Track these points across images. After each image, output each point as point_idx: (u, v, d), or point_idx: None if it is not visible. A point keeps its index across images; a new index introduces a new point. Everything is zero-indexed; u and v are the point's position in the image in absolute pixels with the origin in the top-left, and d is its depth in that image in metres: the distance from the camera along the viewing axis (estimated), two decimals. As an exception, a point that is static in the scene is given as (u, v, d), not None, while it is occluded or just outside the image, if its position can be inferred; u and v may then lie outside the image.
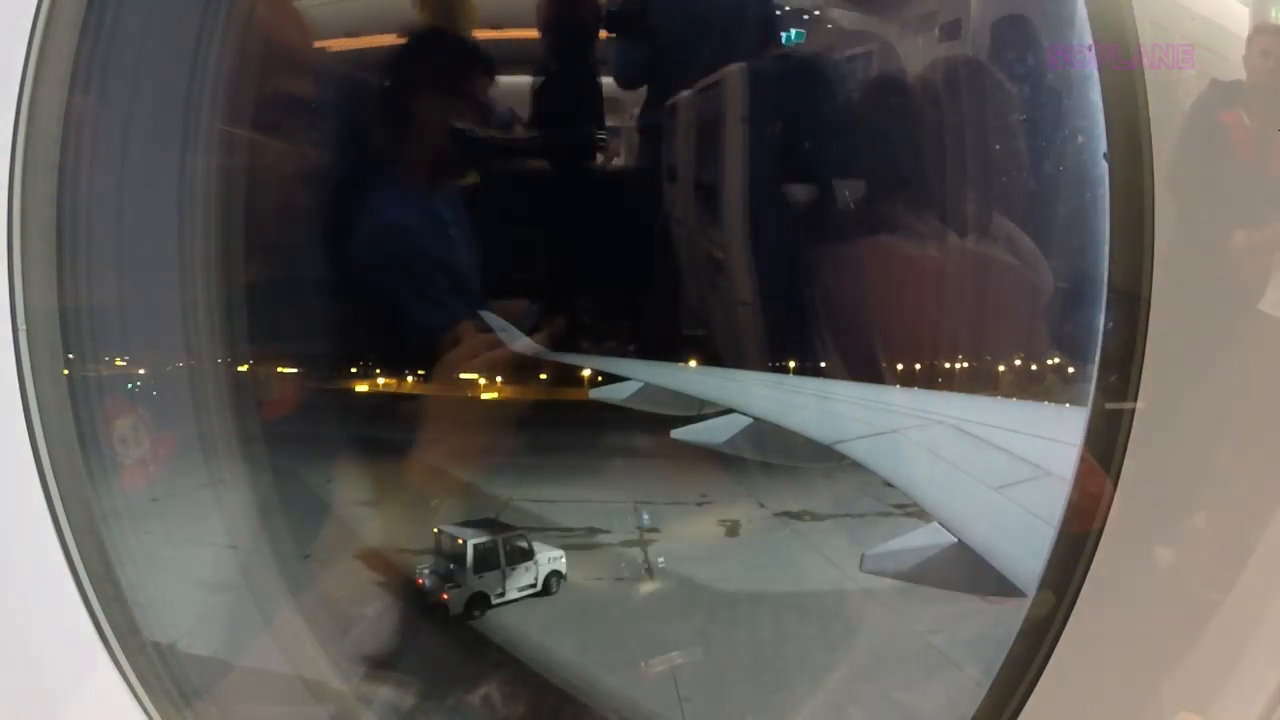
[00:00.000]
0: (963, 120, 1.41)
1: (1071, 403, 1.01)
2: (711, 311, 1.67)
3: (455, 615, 1.71)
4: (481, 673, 1.66)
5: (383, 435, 1.73)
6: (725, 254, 1.63)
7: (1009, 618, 0.97)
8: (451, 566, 1.73)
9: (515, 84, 1.53)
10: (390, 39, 1.63)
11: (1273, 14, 1.00)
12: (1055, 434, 1.06)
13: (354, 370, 1.74)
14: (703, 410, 1.67)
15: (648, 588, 1.76)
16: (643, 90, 1.59)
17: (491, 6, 1.59)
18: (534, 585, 1.77)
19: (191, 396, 1.52)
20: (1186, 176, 0.93)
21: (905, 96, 1.50)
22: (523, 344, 1.59)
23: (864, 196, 1.51)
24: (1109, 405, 0.91)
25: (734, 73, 1.54)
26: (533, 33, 1.50)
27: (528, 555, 1.76)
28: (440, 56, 1.57)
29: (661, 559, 1.78)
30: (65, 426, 1.15)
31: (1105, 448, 0.91)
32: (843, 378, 1.57)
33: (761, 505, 1.81)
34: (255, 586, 1.54)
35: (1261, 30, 0.96)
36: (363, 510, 1.77)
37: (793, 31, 1.53)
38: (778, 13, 1.53)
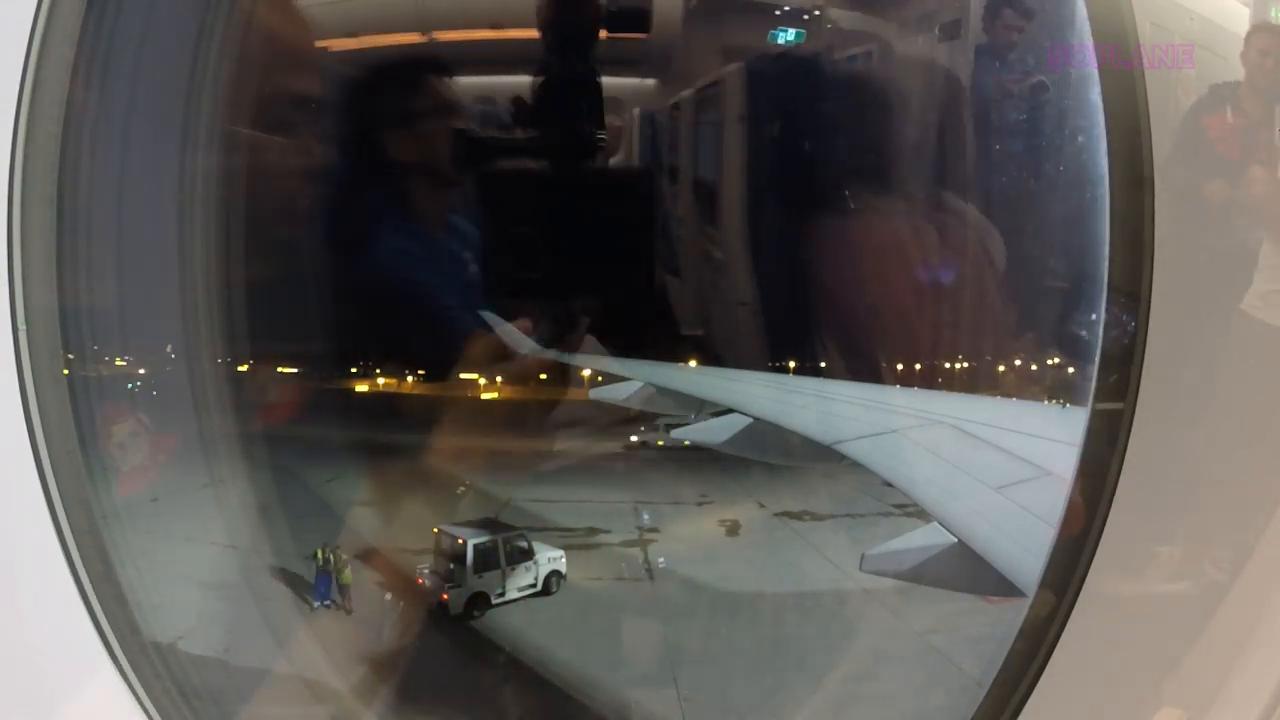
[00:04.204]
0: (962, 120, 1.41)
1: (1071, 403, 1.01)
2: (711, 311, 1.67)
3: (455, 615, 1.71)
4: (481, 673, 1.66)
5: (383, 435, 1.73)
6: (725, 254, 1.63)
7: (1009, 618, 0.97)
8: (451, 566, 1.73)
9: (515, 84, 1.53)
10: (393, 38, 1.64)
11: (1273, 14, 1.00)
12: (1055, 434, 1.06)
13: (354, 370, 1.74)
14: (703, 410, 1.67)
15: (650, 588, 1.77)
16: (643, 91, 1.59)
17: (491, 6, 1.59)
18: (534, 585, 1.77)
19: (191, 396, 1.52)
20: (1186, 176, 0.93)
21: (905, 97, 1.49)
22: (523, 344, 1.59)
23: (864, 196, 1.51)
24: (1109, 405, 0.91)
25: (733, 72, 1.54)
26: (533, 33, 1.50)
27: (528, 555, 1.76)
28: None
29: (662, 559, 1.78)
30: (65, 426, 1.15)
31: (1105, 448, 0.91)
32: (843, 378, 1.57)
33: (761, 505, 1.81)
34: (255, 586, 1.54)
35: (1261, 29, 0.96)
36: (363, 510, 1.77)
37: (792, 31, 1.53)
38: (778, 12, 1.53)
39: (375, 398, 1.72)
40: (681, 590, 1.77)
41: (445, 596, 1.70)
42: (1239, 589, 0.92)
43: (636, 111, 1.55)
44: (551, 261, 1.48)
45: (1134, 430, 0.89)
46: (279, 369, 1.69)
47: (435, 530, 1.77)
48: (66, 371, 1.18)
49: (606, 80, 1.49)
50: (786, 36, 1.52)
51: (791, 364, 1.59)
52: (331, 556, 1.60)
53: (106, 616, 1.13)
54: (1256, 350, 0.95)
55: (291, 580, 1.59)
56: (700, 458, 1.72)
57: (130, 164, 1.37)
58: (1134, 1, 0.90)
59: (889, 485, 1.49)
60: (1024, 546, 1.07)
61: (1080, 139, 0.97)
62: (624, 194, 1.55)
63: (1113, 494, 0.90)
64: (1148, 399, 0.89)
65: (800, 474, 1.78)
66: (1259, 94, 0.97)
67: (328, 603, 1.58)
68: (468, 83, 1.60)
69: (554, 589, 1.77)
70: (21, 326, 1.11)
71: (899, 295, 1.51)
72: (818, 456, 1.54)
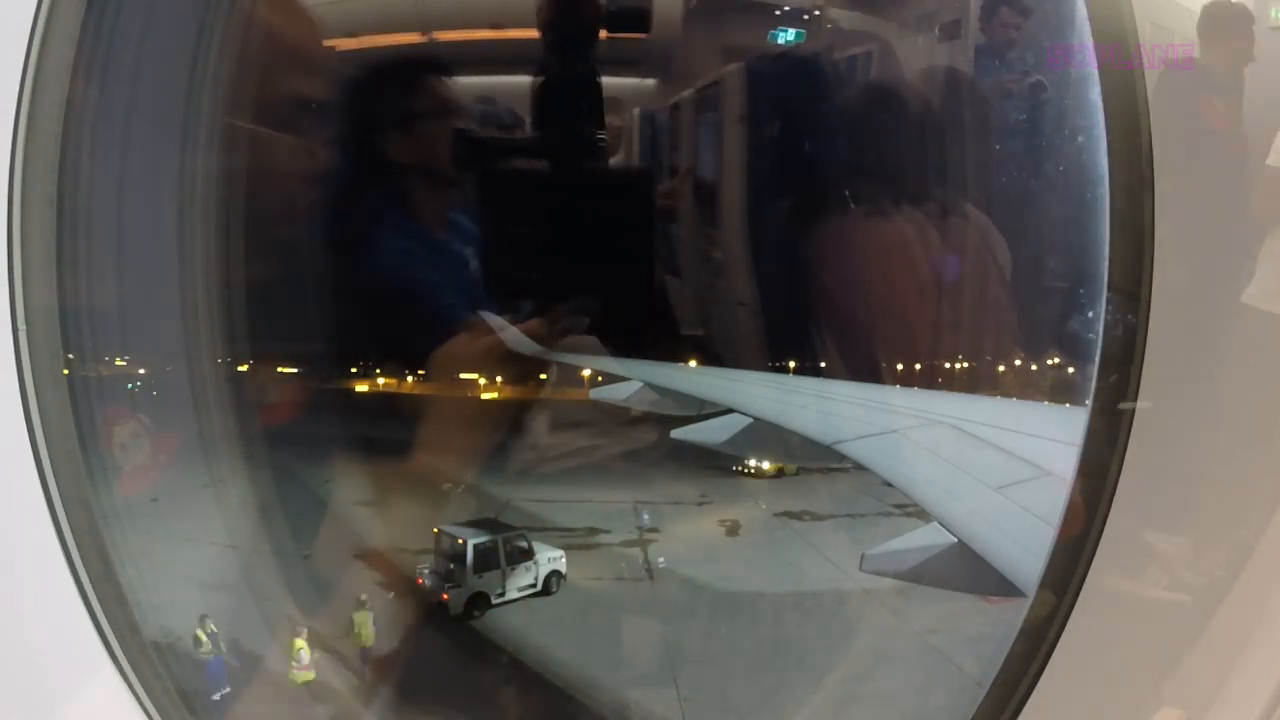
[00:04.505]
0: (963, 120, 1.41)
1: (1071, 403, 1.01)
2: (711, 311, 1.67)
3: (455, 615, 1.71)
4: (481, 673, 1.66)
5: (383, 435, 1.73)
6: (725, 254, 1.63)
7: (1009, 618, 0.97)
8: (451, 566, 1.73)
9: (515, 84, 1.53)
10: (393, 38, 1.64)
11: (1273, 14, 1.00)
12: (1055, 434, 1.06)
13: (354, 370, 1.74)
14: (703, 410, 1.67)
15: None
16: (643, 91, 1.59)
17: (491, 6, 1.59)
18: (534, 585, 1.77)
19: (191, 396, 1.52)
20: (1186, 176, 0.93)
21: (905, 97, 1.49)
22: (522, 343, 1.59)
23: (863, 196, 1.51)
24: (1109, 405, 0.91)
25: (733, 72, 1.54)
26: (533, 33, 1.50)
27: (528, 555, 1.76)
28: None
29: (662, 559, 1.78)
30: (65, 426, 1.15)
31: (1105, 448, 0.91)
32: (843, 378, 1.57)
33: (761, 505, 1.81)
34: (255, 586, 1.54)
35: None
36: (363, 510, 1.77)
37: (792, 31, 1.53)
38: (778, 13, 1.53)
39: (375, 398, 1.72)
40: (681, 590, 1.77)
41: (445, 596, 1.70)
42: (1239, 589, 0.92)
43: (636, 111, 1.55)
44: (551, 261, 1.48)
45: (1134, 430, 0.89)
46: (279, 369, 1.69)
47: (435, 530, 1.77)
48: (66, 371, 1.18)
49: (606, 80, 1.48)
50: (786, 36, 1.52)
51: (791, 364, 1.59)
52: (211, 634, 1.39)
53: (106, 616, 1.13)
54: (1256, 350, 0.95)
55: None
56: (700, 457, 1.72)
57: (130, 164, 1.37)
58: (1134, 1, 0.90)
59: (889, 485, 1.49)
60: (1024, 546, 1.07)
61: (1080, 139, 0.97)
62: (624, 194, 1.55)
63: (1113, 494, 0.90)
64: (1148, 399, 0.89)
65: (800, 474, 1.78)
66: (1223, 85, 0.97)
67: (225, 692, 1.38)
68: (468, 83, 1.60)
69: (554, 589, 1.77)
70: (21, 326, 1.11)
71: (899, 295, 1.51)
72: (818, 456, 1.54)
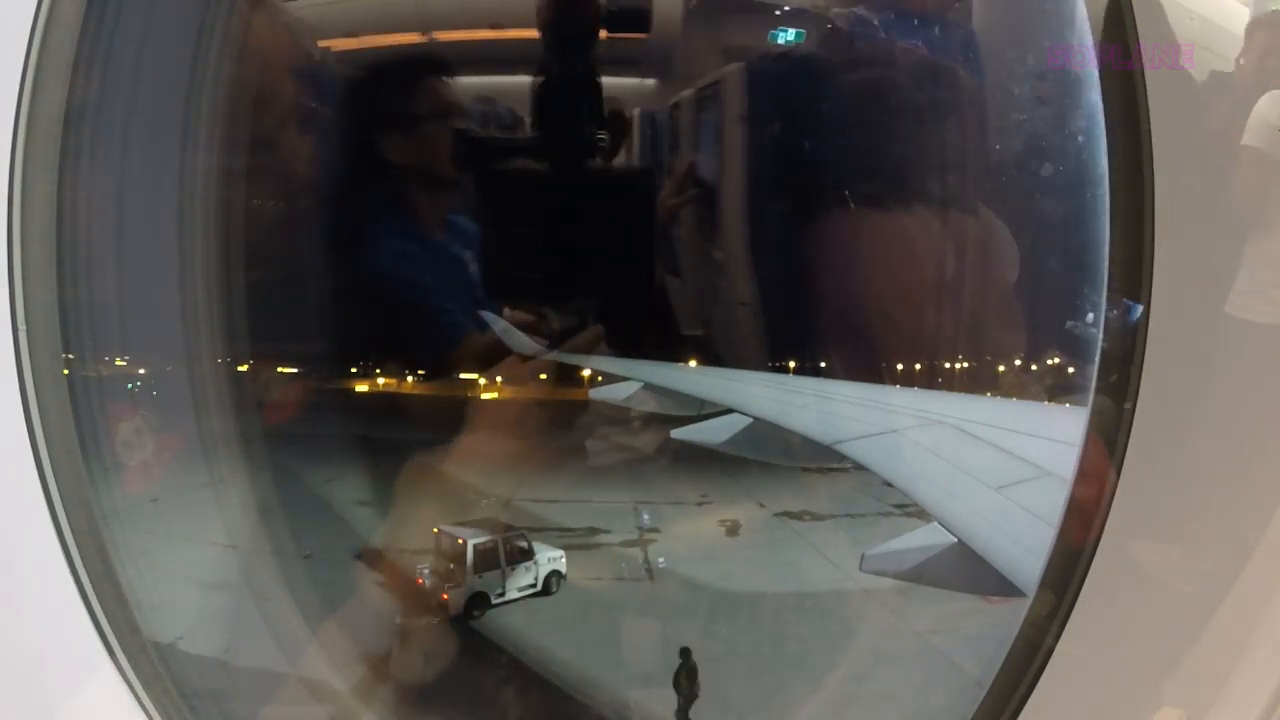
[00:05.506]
0: (963, 119, 1.40)
1: (1071, 403, 1.01)
2: (711, 311, 1.67)
3: (455, 615, 1.71)
4: (481, 673, 1.66)
5: (383, 435, 1.73)
6: (725, 254, 1.63)
7: (1009, 618, 0.97)
8: (451, 566, 1.73)
9: (515, 84, 1.53)
10: (393, 38, 1.64)
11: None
12: (1055, 434, 1.06)
13: (354, 370, 1.74)
14: (703, 410, 1.67)
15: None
16: (643, 91, 1.59)
17: (491, 6, 1.59)
18: (534, 585, 1.77)
19: (191, 396, 1.52)
20: (1186, 176, 0.93)
21: (905, 97, 1.49)
22: (522, 344, 1.59)
23: (863, 196, 1.51)
24: (1109, 405, 0.91)
25: (733, 72, 1.54)
26: (533, 33, 1.50)
27: (528, 555, 1.76)
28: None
29: (662, 559, 1.78)
30: (65, 426, 1.15)
31: (1105, 448, 0.91)
32: (843, 378, 1.57)
33: (761, 505, 1.81)
34: (255, 586, 1.54)
35: (1261, 25, 0.96)
36: (363, 510, 1.77)
37: (792, 32, 1.53)
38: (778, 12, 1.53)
39: (375, 398, 1.72)
40: (681, 590, 1.77)
41: (445, 596, 1.70)
42: (1239, 589, 0.92)
43: (636, 111, 1.55)
44: (551, 262, 1.48)
45: (1134, 430, 0.89)
46: (279, 369, 1.69)
47: (435, 530, 1.76)
48: (66, 371, 1.18)
49: (606, 80, 1.48)
50: (786, 37, 1.52)
51: (791, 364, 1.59)
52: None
53: (106, 616, 1.13)
54: (1256, 350, 0.95)
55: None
56: (700, 458, 1.72)
57: (130, 164, 1.37)
58: (1134, 1, 0.90)
59: (889, 485, 1.49)
60: (1024, 546, 1.07)
61: (1080, 139, 0.97)
62: (624, 194, 1.55)
63: (1113, 494, 0.90)
64: (1148, 399, 0.89)
65: (800, 474, 1.78)
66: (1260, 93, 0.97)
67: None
68: (468, 83, 1.60)
69: (554, 589, 1.77)
70: (21, 326, 1.11)
71: (899, 295, 1.51)
72: (818, 456, 1.54)
